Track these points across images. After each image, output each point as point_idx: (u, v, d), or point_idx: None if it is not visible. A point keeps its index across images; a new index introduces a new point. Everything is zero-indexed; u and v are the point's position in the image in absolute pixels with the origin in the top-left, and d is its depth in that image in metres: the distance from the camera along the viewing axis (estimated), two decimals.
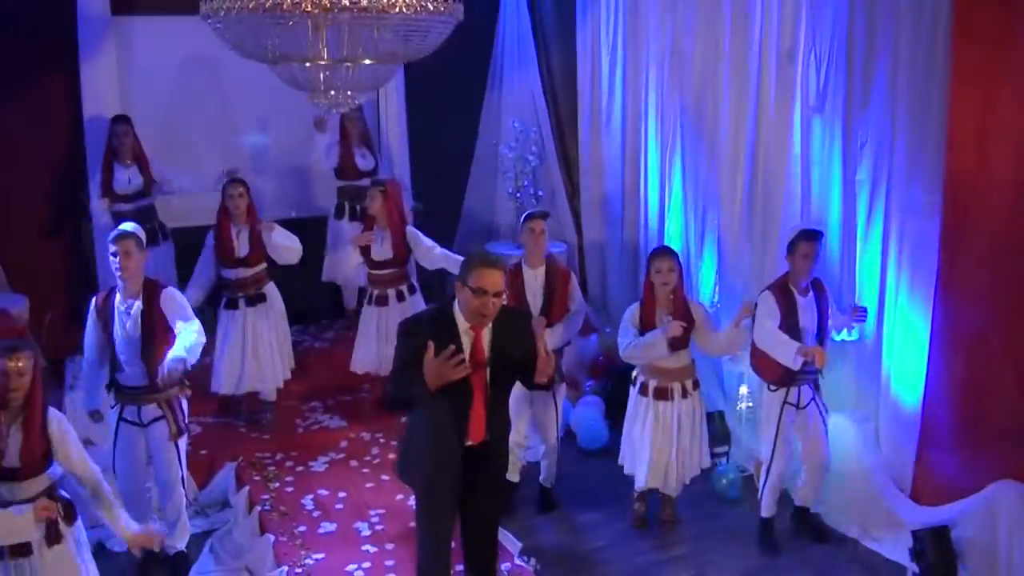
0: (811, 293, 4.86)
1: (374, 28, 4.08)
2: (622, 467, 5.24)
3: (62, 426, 3.80)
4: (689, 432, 5.04)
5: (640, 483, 5.11)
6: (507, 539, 5.00)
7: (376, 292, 6.03)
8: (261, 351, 5.84)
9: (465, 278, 3.52)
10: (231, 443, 5.82)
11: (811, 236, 4.77)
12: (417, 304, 6.07)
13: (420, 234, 6.02)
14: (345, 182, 7.01)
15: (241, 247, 5.73)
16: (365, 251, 5.93)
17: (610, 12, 6.97)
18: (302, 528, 4.92)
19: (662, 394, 4.98)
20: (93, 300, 4.63)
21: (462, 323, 3.55)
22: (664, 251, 5.00)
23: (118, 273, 4.46)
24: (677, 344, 4.81)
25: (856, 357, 5.23)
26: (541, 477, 5.44)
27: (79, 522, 3.91)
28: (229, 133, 6.57)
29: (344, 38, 4.19)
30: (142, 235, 4.60)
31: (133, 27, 6.38)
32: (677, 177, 6.49)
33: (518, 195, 7.39)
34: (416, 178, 7.65)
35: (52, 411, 3.81)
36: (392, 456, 5.54)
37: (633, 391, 5.09)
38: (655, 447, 4.97)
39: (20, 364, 3.61)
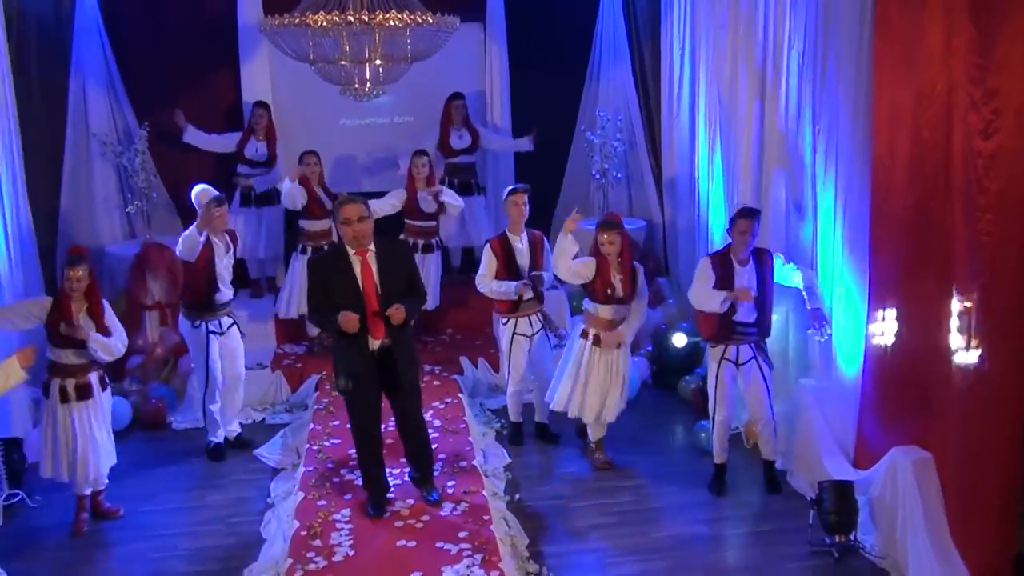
0: (751, 263, 5.38)
1: (376, 36, 5.34)
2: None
3: (107, 312, 5.29)
4: (609, 379, 5.71)
5: (553, 405, 5.86)
6: (499, 453, 6.15)
7: (412, 241, 7.34)
8: None
9: (336, 218, 4.78)
10: (320, 363, 7.33)
11: (748, 214, 5.34)
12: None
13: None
14: (445, 159, 8.29)
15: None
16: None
17: (681, 11, 7.65)
18: (336, 423, 6.32)
19: (598, 341, 5.70)
20: None
21: (350, 251, 4.80)
22: (606, 224, 5.67)
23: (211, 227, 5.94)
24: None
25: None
26: (536, 415, 6.33)
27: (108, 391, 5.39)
28: (353, 117, 8.08)
29: (370, 45, 5.51)
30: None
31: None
32: (718, 164, 7.10)
33: (599, 176, 8.25)
34: (519, 162, 8.70)
35: (104, 302, 5.32)
36: (434, 381, 6.93)
37: (577, 336, 5.83)
38: (579, 382, 5.71)
39: (79, 273, 5.14)
